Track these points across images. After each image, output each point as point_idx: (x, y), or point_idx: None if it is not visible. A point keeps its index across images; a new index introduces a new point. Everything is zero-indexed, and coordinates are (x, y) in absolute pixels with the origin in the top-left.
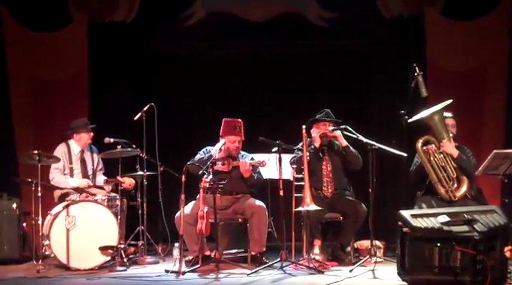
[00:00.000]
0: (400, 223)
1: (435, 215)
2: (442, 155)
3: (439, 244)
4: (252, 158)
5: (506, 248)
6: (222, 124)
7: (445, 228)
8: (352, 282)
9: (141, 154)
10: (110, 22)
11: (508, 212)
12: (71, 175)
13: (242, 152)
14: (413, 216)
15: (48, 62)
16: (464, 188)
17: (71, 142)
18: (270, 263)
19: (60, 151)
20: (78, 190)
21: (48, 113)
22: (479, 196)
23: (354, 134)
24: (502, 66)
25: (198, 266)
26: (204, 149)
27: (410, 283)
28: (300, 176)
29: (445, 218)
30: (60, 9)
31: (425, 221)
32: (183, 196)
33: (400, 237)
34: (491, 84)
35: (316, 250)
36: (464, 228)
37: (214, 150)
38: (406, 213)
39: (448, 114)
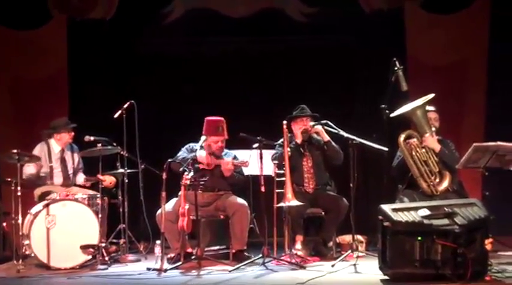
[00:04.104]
0: (380, 217)
1: (416, 208)
2: (424, 150)
3: (419, 238)
4: (235, 157)
5: (486, 241)
6: (205, 123)
7: (426, 222)
8: (334, 277)
9: (121, 152)
10: (89, 20)
11: (489, 205)
12: (51, 174)
13: (225, 151)
14: (394, 210)
15: (28, 61)
16: (446, 183)
17: (51, 141)
18: (252, 259)
19: (39, 150)
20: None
21: (27, 112)
22: (460, 189)
23: (335, 129)
24: (482, 59)
25: (180, 263)
26: (187, 146)
27: (391, 277)
28: (282, 172)
29: (425, 212)
30: (38, 7)
31: (406, 215)
32: (164, 194)
33: (381, 232)
34: (471, 77)
35: (298, 245)
36: (445, 221)
37: (197, 148)
38: (387, 207)
39: (430, 108)
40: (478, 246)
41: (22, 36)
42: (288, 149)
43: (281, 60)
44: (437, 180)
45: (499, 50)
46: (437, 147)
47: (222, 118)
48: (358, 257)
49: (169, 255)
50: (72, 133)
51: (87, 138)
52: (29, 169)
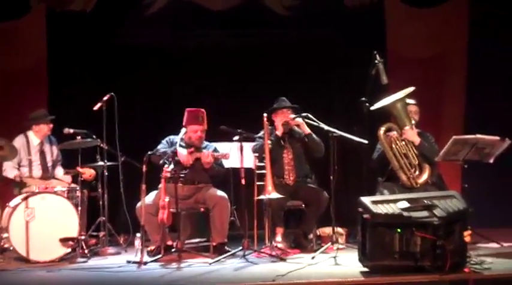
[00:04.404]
0: (360, 210)
1: (395, 201)
2: (403, 143)
3: (399, 230)
4: (216, 149)
5: (465, 233)
6: (185, 114)
7: (405, 214)
8: (314, 269)
9: (101, 145)
10: (69, 11)
11: (468, 197)
12: (30, 167)
13: (206, 143)
14: (374, 202)
15: (7, 52)
16: (426, 175)
17: (30, 134)
18: (233, 251)
19: (18, 142)
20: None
21: (6, 104)
22: (439, 181)
23: (315, 121)
24: (461, 52)
25: (160, 256)
26: (167, 139)
27: (371, 269)
28: (262, 164)
29: (405, 204)
30: None
31: (386, 207)
32: (143, 186)
33: (361, 224)
34: (451, 70)
35: (279, 238)
36: (424, 213)
37: (178, 149)
38: (366, 199)
39: (411, 101)
40: (456, 238)
41: (0, 27)
42: (269, 141)
43: (261, 53)
44: (417, 173)
45: (479, 44)
46: (416, 140)
47: (203, 109)
48: (338, 249)
49: (149, 248)
50: (51, 125)
51: (66, 130)
52: (11, 172)
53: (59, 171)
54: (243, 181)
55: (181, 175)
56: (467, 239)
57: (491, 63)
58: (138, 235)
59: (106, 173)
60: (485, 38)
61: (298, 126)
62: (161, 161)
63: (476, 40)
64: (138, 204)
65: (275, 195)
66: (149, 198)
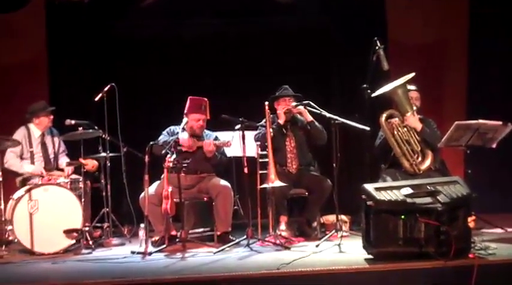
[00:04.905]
0: (364, 197)
1: (398, 187)
2: (405, 129)
3: (403, 216)
4: (217, 138)
5: (469, 219)
6: (188, 102)
7: (409, 200)
8: (319, 257)
9: (103, 136)
10: (68, 2)
11: (471, 183)
12: (32, 159)
13: (206, 132)
14: (377, 189)
15: (6, 44)
16: (428, 161)
17: (31, 126)
18: (237, 240)
19: (20, 134)
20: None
21: (7, 97)
22: (442, 167)
23: (317, 109)
24: (462, 38)
25: (164, 246)
26: (168, 129)
27: (375, 256)
28: (264, 153)
29: (408, 191)
30: None
31: (389, 194)
32: (146, 177)
33: (364, 211)
34: (452, 56)
35: (283, 226)
36: (428, 200)
37: (179, 135)
38: (369, 186)
39: (412, 87)
40: (460, 224)
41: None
42: (271, 130)
43: (261, 41)
44: (420, 159)
45: (479, 29)
46: (418, 126)
47: (206, 98)
48: (342, 236)
49: (153, 239)
50: (52, 117)
51: (68, 121)
52: (27, 168)
53: (64, 162)
54: (245, 170)
55: (184, 165)
56: (471, 224)
57: (492, 46)
58: (142, 225)
59: (108, 164)
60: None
61: (300, 113)
62: (163, 151)
63: (478, 25)
64: (142, 194)
65: (278, 183)
66: (152, 188)
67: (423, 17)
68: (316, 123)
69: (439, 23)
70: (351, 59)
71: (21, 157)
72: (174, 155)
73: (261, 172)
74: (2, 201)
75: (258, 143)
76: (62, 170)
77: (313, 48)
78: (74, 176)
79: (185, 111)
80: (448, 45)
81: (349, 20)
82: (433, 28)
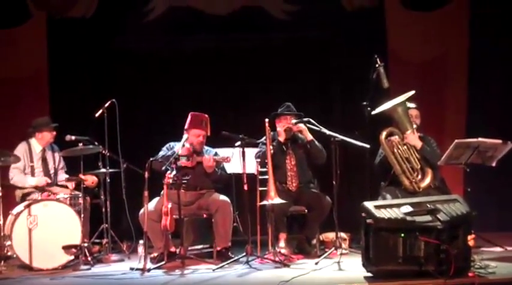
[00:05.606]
0: (363, 214)
1: (398, 205)
2: (405, 147)
3: (402, 235)
4: (216, 154)
5: (469, 237)
6: (189, 117)
7: (408, 218)
8: (318, 275)
9: (103, 151)
10: (69, 18)
11: (471, 201)
12: (32, 174)
13: (206, 148)
14: (377, 207)
15: (7, 59)
16: (428, 179)
17: (32, 141)
18: (236, 257)
19: (21, 149)
20: (38, 189)
21: (8, 111)
22: (442, 185)
23: (317, 126)
24: (462, 55)
25: (164, 262)
26: (167, 145)
27: (375, 274)
28: (264, 170)
29: (408, 209)
30: (18, 5)
31: (389, 212)
32: (146, 193)
33: (364, 229)
34: (452, 73)
35: (282, 243)
36: (428, 218)
37: (178, 147)
38: (369, 204)
39: (411, 105)
40: (460, 242)
41: (1, 35)
42: (271, 147)
43: (262, 57)
44: (420, 177)
45: (480, 46)
46: (418, 144)
47: (206, 115)
48: (341, 254)
49: (152, 255)
50: (54, 133)
51: (68, 137)
52: (31, 181)
53: (62, 178)
54: (245, 187)
55: (184, 181)
56: (471, 243)
57: (492, 65)
58: (141, 241)
59: (108, 180)
60: (486, 38)
61: (300, 132)
62: (163, 168)
63: (478, 41)
64: (141, 211)
65: (278, 200)
66: (152, 205)
67: (423, 34)
68: (316, 142)
69: (439, 41)
70: (352, 75)
71: (24, 172)
72: (174, 172)
73: (260, 188)
74: (2, 216)
75: (258, 160)
76: (62, 186)
77: (315, 64)
78: (74, 192)
79: (186, 127)
80: (448, 62)
81: (350, 36)
82: (433, 45)
